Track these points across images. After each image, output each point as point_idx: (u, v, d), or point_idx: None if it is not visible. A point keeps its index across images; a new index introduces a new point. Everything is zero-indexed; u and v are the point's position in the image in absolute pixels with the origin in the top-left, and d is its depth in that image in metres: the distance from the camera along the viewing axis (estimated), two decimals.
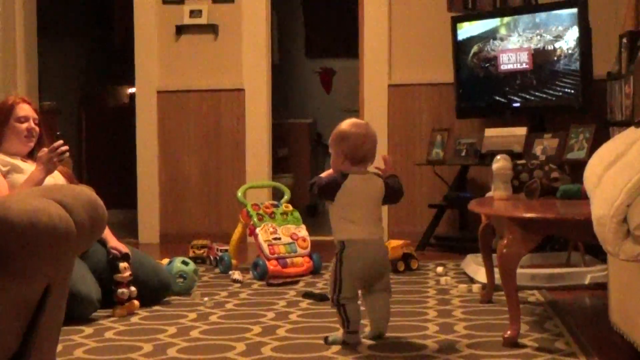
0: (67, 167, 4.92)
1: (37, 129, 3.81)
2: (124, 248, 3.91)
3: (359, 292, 3.21)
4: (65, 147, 3.60)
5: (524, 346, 3.02)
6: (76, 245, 2.23)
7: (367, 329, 3.24)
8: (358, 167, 3.13)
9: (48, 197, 2.18)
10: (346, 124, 3.15)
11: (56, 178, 3.75)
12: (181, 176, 6.41)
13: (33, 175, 3.57)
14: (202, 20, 6.34)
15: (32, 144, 3.81)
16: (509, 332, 3.06)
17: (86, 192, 2.31)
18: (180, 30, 6.38)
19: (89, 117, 8.29)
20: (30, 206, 2.05)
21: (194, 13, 6.35)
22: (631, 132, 2.71)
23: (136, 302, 3.79)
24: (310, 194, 3.26)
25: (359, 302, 3.19)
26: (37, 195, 2.20)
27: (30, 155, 3.81)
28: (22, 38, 6.27)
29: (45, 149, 3.60)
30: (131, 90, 7.46)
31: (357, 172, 3.12)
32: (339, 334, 3.16)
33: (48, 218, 2.08)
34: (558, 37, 5.43)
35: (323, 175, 3.20)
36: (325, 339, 3.17)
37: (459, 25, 5.86)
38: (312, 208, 8.35)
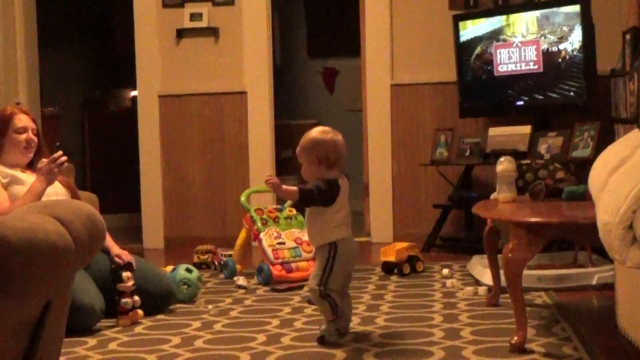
0: (70, 176, 4.91)
1: (35, 139, 3.79)
2: (126, 255, 3.89)
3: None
4: (65, 157, 3.57)
5: (531, 352, 2.99)
6: (75, 262, 2.20)
7: (323, 327, 3.33)
8: (330, 172, 3.26)
9: (45, 213, 2.15)
10: (315, 132, 3.30)
11: (57, 188, 3.73)
12: (184, 180, 6.39)
13: (34, 186, 3.55)
14: (203, 24, 6.31)
15: (31, 155, 3.78)
16: (515, 338, 3.02)
17: (85, 206, 2.28)
18: (181, 33, 6.36)
19: (92, 121, 8.26)
20: (26, 223, 2.02)
21: (194, 16, 6.32)
22: (635, 135, 2.68)
23: (140, 312, 3.77)
24: (307, 202, 3.27)
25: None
26: (34, 211, 2.17)
27: (30, 166, 3.78)
28: (23, 45, 6.25)
29: (45, 160, 3.58)
30: (134, 93, 7.43)
31: (337, 175, 3.27)
32: (330, 329, 3.26)
33: (45, 235, 2.05)
34: (561, 35, 5.39)
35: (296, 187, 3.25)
36: (321, 339, 3.25)
37: (461, 24, 5.82)
38: None
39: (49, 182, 3.57)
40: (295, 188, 3.24)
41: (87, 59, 8.61)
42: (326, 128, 3.34)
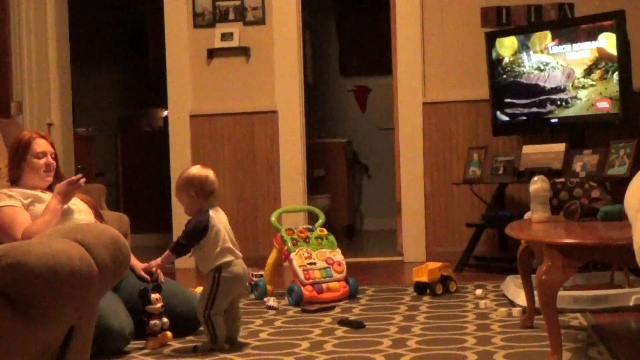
0: (101, 196, 4.92)
1: (54, 163, 3.81)
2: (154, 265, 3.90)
3: None
4: (84, 179, 3.67)
5: None
6: (99, 286, 2.17)
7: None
8: (207, 202, 3.58)
9: (69, 237, 2.13)
10: (187, 171, 3.63)
11: (78, 204, 3.75)
12: (215, 200, 6.36)
13: (53, 205, 3.58)
14: (234, 43, 6.31)
15: (50, 179, 3.79)
16: None
17: (108, 230, 2.26)
18: (212, 53, 6.36)
19: (125, 141, 8.31)
20: (49, 249, 2.00)
21: (225, 36, 6.33)
22: None
23: (169, 334, 3.73)
24: (182, 252, 3.61)
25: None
26: (57, 236, 2.15)
27: (49, 189, 3.80)
28: (56, 65, 6.28)
29: (64, 182, 3.62)
30: (166, 112, 7.46)
31: (210, 207, 3.58)
32: (206, 346, 3.53)
33: (68, 260, 2.03)
34: (596, 51, 5.31)
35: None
36: (195, 348, 3.52)
37: (494, 41, 5.76)
38: (350, 228, 8.28)
39: (65, 202, 3.63)
40: (167, 251, 3.61)
41: (120, 79, 8.67)
42: (197, 166, 3.70)
